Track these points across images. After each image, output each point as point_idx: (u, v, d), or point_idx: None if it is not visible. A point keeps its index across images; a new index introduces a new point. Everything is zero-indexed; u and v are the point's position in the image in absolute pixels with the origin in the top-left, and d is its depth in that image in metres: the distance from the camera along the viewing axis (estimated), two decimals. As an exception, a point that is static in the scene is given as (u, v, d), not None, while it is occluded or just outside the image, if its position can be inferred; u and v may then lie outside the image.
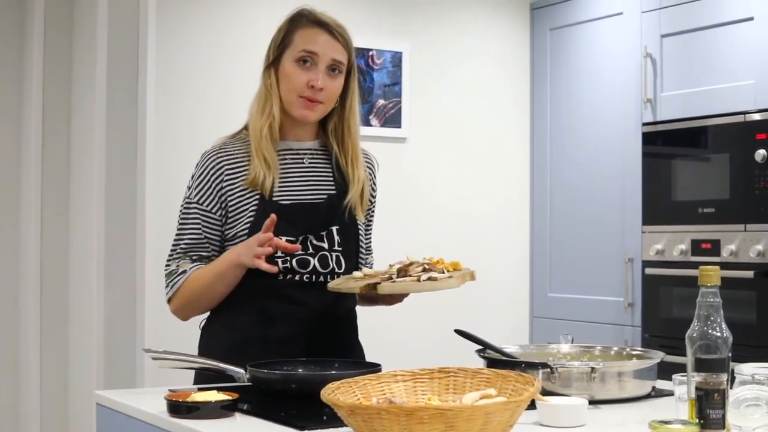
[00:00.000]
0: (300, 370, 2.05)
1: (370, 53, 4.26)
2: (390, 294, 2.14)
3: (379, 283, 2.05)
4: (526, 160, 4.67)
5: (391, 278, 2.07)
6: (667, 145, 4.02)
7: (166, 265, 2.25)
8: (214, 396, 1.83)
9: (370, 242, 2.42)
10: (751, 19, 3.69)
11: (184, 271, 2.20)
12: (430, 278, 2.04)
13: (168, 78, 3.86)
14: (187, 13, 3.92)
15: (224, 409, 1.81)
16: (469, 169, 4.54)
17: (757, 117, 3.65)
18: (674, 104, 3.95)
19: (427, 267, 2.08)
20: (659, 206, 4.02)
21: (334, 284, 2.14)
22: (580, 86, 4.41)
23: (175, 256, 2.24)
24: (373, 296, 2.21)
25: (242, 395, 1.89)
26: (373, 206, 2.41)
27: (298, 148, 2.28)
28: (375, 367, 1.97)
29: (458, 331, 2.17)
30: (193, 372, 2.23)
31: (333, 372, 1.98)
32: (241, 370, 2.01)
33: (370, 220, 2.41)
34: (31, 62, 3.91)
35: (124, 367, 3.63)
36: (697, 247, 3.84)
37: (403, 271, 2.08)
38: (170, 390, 1.98)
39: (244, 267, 2.15)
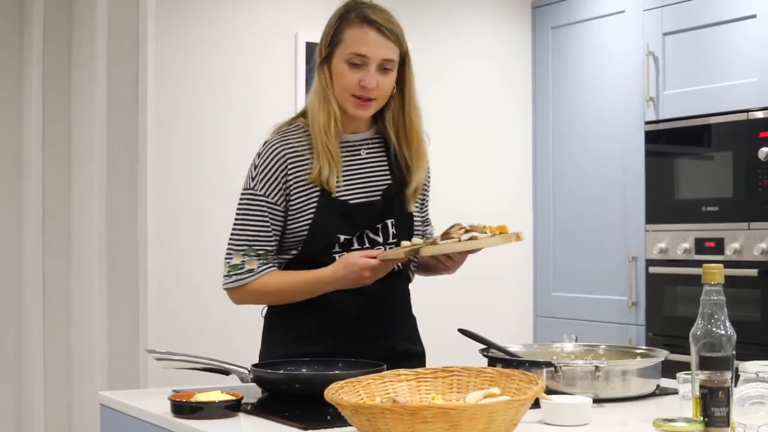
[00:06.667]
0: (304, 369, 2.05)
1: (372, 53, 4.25)
2: (438, 259, 2.17)
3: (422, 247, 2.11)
4: (529, 160, 4.67)
5: (435, 242, 2.11)
6: (670, 144, 4.01)
7: (228, 255, 2.23)
8: (217, 396, 1.83)
9: (427, 214, 2.46)
10: (754, 16, 3.68)
11: (251, 270, 2.19)
12: (471, 238, 2.06)
13: (168, 76, 3.86)
14: (186, 12, 3.92)
15: (228, 409, 1.81)
16: (471, 169, 4.53)
17: (760, 115, 3.65)
18: (677, 102, 3.95)
19: (468, 229, 2.10)
20: (662, 205, 4.01)
21: (382, 254, 2.16)
22: (582, 85, 4.41)
23: (237, 248, 2.21)
24: (426, 264, 2.29)
25: (246, 395, 1.89)
26: (428, 178, 2.42)
27: (354, 140, 2.28)
28: (378, 367, 1.96)
29: (462, 331, 2.18)
30: (195, 372, 2.22)
31: (336, 372, 1.98)
32: (245, 370, 2.01)
33: (426, 193, 2.42)
34: (30, 62, 3.91)
35: (128, 367, 3.64)
36: (700, 245, 3.84)
37: (445, 235, 2.11)
38: (174, 390, 1.98)
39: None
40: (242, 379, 2.02)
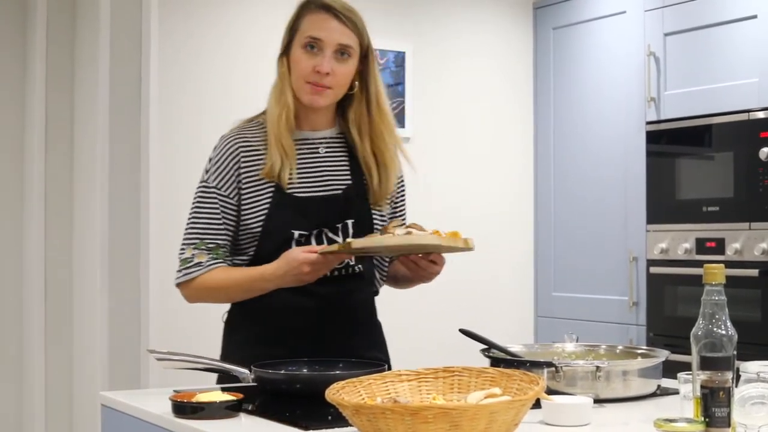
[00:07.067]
0: (304, 370, 2.05)
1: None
2: (398, 268, 2.19)
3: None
4: (530, 160, 4.67)
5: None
6: (671, 144, 4.02)
7: (181, 250, 2.21)
8: (218, 396, 1.83)
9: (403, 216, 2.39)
10: (755, 17, 3.68)
11: (199, 263, 2.17)
12: (406, 233, 2.02)
13: (170, 76, 3.86)
14: (188, 12, 3.93)
15: (229, 410, 1.81)
16: (473, 169, 4.54)
17: (760, 115, 3.65)
18: (678, 103, 3.95)
19: (408, 226, 2.08)
20: (663, 205, 4.01)
21: (321, 248, 2.10)
22: (584, 85, 4.41)
23: (189, 241, 2.20)
24: (394, 274, 2.30)
25: (247, 395, 1.89)
26: (402, 187, 2.39)
27: (313, 138, 2.24)
28: (379, 367, 1.97)
29: (463, 331, 2.17)
30: (196, 372, 2.22)
31: (337, 372, 1.98)
32: (246, 371, 2.01)
33: (399, 202, 2.37)
34: (33, 62, 3.91)
35: (129, 368, 3.64)
36: (701, 245, 3.84)
37: (383, 230, 2.09)
38: (175, 390, 1.98)
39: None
40: (243, 380, 2.02)
